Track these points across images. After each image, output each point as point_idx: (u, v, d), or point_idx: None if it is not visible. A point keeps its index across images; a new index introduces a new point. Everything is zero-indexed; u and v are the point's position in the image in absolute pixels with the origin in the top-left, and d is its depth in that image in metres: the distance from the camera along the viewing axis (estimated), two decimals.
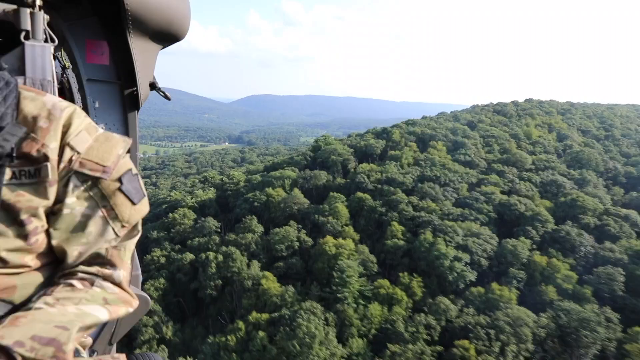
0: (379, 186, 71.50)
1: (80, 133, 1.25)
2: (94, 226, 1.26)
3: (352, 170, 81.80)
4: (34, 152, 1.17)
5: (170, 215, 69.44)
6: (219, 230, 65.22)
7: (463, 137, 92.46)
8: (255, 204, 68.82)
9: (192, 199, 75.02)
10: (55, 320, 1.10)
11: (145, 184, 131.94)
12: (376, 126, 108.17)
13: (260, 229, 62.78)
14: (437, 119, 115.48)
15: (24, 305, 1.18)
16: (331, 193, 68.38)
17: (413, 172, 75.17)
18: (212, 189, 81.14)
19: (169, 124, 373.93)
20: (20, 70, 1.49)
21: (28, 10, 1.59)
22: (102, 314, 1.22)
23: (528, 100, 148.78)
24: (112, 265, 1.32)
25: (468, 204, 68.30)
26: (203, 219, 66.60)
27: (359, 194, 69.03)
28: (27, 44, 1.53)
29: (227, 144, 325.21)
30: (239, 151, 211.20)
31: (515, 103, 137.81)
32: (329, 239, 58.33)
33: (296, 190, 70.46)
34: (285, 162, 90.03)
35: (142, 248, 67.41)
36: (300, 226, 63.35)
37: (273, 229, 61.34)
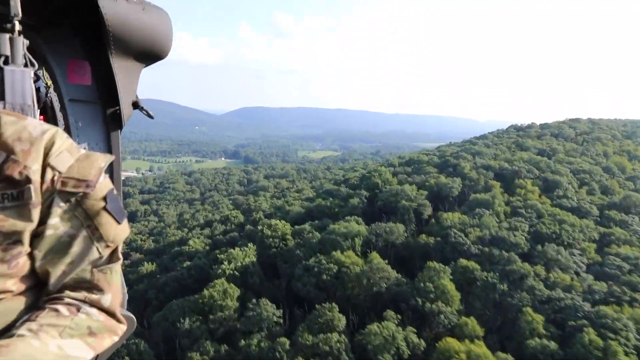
0: (484, 248, 53.72)
1: (61, 153, 1.23)
2: (77, 246, 1.23)
3: (430, 219, 64.06)
4: (16, 175, 1.15)
5: (205, 292, 50.43)
6: (281, 321, 46.52)
7: (552, 172, 75.57)
8: (324, 276, 50.27)
9: (229, 264, 56.05)
10: (37, 358, 1.06)
11: (146, 212, 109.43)
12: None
13: (342, 321, 44.24)
14: (495, 145, 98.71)
15: (7, 331, 1.14)
16: (429, 263, 50.15)
17: (522, 226, 57.55)
18: (250, 245, 62.18)
19: (161, 137, 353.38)
20: (0, 96, 1.49)
21: (7, 36, 1.57)
22: (86, 354, 1.18)
23: (575, 120, 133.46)
24: (99, 289, 1.28)
25: (609, 275, 50.92)
26: (254, 301, 47.74)
27: (463, 261, 51.11)
28: (7, 69, 1.52)
29: (223, 159, 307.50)
30: (243, 171, 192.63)
31: (570, 125, 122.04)
32: (453, 342, 40.13)
33: (376, 256, 52.14)
34: (336, 205, 71.62)
35: (168, 339, 48.28)
36: (399, 317, 45.04)
37: (365, 327, 42.78)
